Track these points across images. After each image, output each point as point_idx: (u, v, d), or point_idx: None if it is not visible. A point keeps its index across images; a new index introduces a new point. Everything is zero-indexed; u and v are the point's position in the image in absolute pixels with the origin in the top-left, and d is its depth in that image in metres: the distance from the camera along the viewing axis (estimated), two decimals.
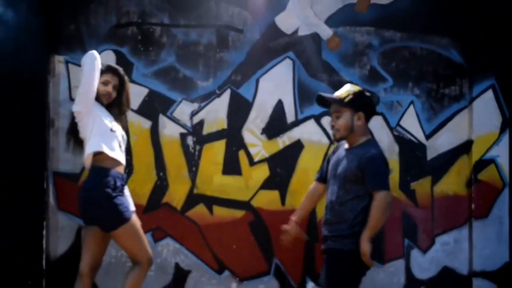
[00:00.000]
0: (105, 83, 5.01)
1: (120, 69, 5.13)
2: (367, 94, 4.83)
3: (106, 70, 5.08)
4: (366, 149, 4.54)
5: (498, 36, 6.59)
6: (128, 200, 5.05)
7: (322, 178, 4.86)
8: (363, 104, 4.66)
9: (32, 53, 6.52)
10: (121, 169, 5.00)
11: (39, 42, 6.54)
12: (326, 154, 6.62)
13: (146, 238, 5.00)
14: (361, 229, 4.42)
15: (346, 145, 4.66)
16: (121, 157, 5.01)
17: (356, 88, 4.75)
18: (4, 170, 6.44)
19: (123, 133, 5.15)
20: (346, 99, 4.58)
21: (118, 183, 4.89)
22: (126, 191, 5.07)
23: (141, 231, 4.98)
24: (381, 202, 4.46)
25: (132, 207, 5.02)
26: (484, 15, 6.62)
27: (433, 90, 6.66)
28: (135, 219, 4.93)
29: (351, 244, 4.37)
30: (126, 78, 5.16)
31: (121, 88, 5.12)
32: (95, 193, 4.83)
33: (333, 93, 6.05)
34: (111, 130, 4.95)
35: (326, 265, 4.57)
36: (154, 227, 6.55)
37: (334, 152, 4.81)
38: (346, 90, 4.61)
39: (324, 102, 4.76)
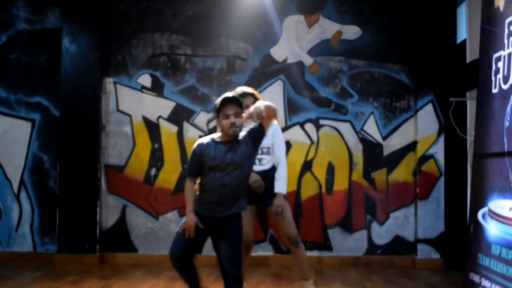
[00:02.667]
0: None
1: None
2: None
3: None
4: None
5: (435, 63, 6.86)
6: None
7: None
8: None
9: (90, 76, 6.89)
10: None
11: (95, 68, 6.89)
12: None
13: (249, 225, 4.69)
14: None
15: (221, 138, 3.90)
16: None
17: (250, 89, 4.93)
18: (70, 163, 6.86)
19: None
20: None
21: None
22: None
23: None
24: None
25: None
26: (425, 47, 6.88)
27: (388, 103, 6.98)
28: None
29: None
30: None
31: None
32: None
33: (312, 106, 6.73)
34: None
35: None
36: (180, 206, 6.88)
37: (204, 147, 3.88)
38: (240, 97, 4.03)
39: (228, 102, 3.81)
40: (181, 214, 6.88)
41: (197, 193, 3.91)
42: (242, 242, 4.08)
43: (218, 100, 3.83)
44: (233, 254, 3.82)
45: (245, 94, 4.68)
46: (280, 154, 4.81)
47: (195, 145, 3.92)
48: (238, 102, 3.84)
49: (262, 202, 4.83)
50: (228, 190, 3.81)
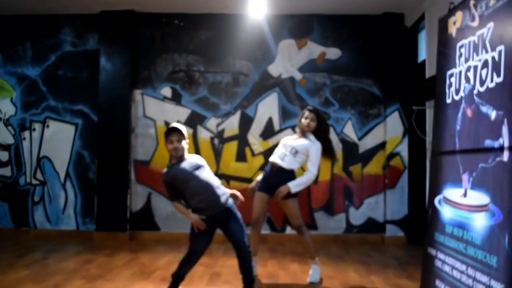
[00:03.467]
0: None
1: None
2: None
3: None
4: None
5: (401, 79, 6.88)
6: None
7: None
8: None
9: (122, 88, 6.93)
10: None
11: (126, 82, 6.93)
12: None
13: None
14: None
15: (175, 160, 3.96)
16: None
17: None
18: (106, 158, 6.89)
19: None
20: (183, 133, 3.90)
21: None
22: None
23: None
24: None
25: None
26: (393, 66, 6.90)
27: (362, 111, 6.98)
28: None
29: None
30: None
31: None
32: None
33: (297, 112, 6.64)
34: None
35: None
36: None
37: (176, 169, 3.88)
38: (181, 127, 3.87)
39: (172, 131, 3.87)
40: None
41: (188, 209, 3.92)
42: (253, 219, 4.60)
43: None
44: (240, 228, 3.90)
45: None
46: (311, 168, 4.73)
47: (164, 177, 3.93)
48: (179, 131, 3.89)
49: (271, 192, 4.74)
50: (202, 190, 3.83)
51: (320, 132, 4.82)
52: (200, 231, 3.83)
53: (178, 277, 4.03)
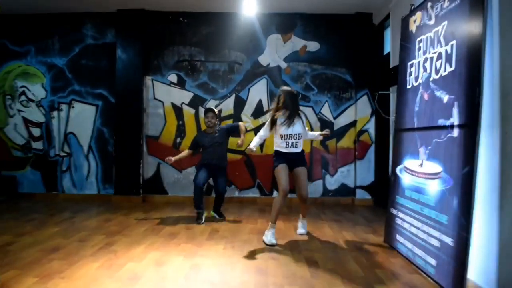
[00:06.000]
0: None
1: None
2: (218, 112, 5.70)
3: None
4: (221, 127, 5.53)
5: (369, 68, 6.84)
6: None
7: None
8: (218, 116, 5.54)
9: (135, 75, 6.86)
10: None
11: (138, 69, 6.86)
12: None
13: (285, 177, 4.42)
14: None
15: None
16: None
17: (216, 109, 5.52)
18: (122, 134, 6.84)
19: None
20: (216, 112, 5.46)
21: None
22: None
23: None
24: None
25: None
26: (363, 57, 6.84)
27: (337, 95, 6.96)
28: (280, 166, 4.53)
29: None
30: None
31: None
32: None
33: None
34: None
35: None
36: (196, 163, 6.33)
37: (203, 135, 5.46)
38: (214, 108, 5.45)
39: (208, 111, 5.44)
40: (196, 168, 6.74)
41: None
42: (281, 190, 4.41)
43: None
44: (223, 183, 5.44)
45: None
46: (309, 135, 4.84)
47: (197, 135, 5.55)
48: (213, 111, 5.37)
49: (293, 166, 4.61)
50: (212, 155, 5.40)
51: (292, 105, 4.57)
52: (201, 166, 5.43)
53: (197, 208, 5.38)
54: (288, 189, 4.45)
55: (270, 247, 4.25)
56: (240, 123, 5.62)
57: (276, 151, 4.67)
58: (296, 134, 4.54)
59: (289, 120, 4.52)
